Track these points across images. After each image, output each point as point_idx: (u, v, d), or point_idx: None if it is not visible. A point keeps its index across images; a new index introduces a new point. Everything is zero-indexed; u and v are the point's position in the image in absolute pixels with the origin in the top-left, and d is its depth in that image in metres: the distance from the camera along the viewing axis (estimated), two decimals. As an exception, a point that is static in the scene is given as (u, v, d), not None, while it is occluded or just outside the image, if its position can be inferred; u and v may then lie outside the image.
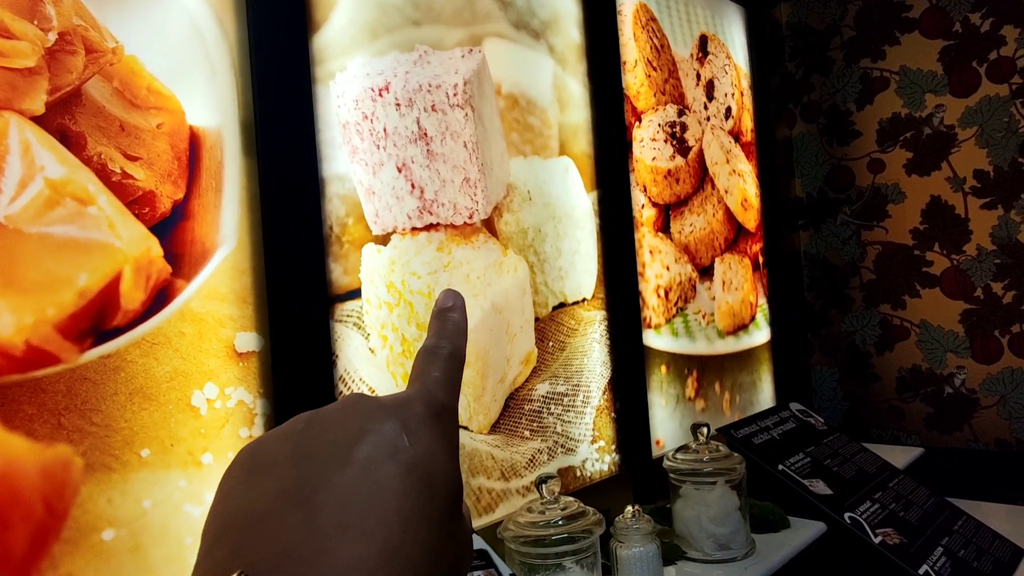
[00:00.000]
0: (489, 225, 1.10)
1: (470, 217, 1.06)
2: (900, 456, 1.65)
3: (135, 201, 0.73)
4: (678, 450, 1.15)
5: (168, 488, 0.73)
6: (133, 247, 0.72)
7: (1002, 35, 1.79)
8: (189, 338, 0.76)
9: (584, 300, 1.27)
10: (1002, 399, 1.81)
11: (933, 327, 1.92)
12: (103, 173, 0.70)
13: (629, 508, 1.01)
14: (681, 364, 1.47)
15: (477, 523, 1.02)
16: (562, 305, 1.23)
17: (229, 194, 0.80)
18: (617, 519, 1.01)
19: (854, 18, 2.01)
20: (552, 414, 1.18)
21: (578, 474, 1.21)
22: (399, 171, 0.98)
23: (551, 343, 1.20)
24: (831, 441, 1.43)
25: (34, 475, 0.65)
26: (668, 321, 1.45)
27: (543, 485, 0.89)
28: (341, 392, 0.89)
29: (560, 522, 0.87)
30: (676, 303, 1.47)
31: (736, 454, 1.12)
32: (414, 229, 0.99)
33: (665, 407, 1.42)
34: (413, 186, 0.99)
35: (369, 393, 0.91)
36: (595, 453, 1.25)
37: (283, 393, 0.83)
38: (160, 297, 0.74)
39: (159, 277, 0.74)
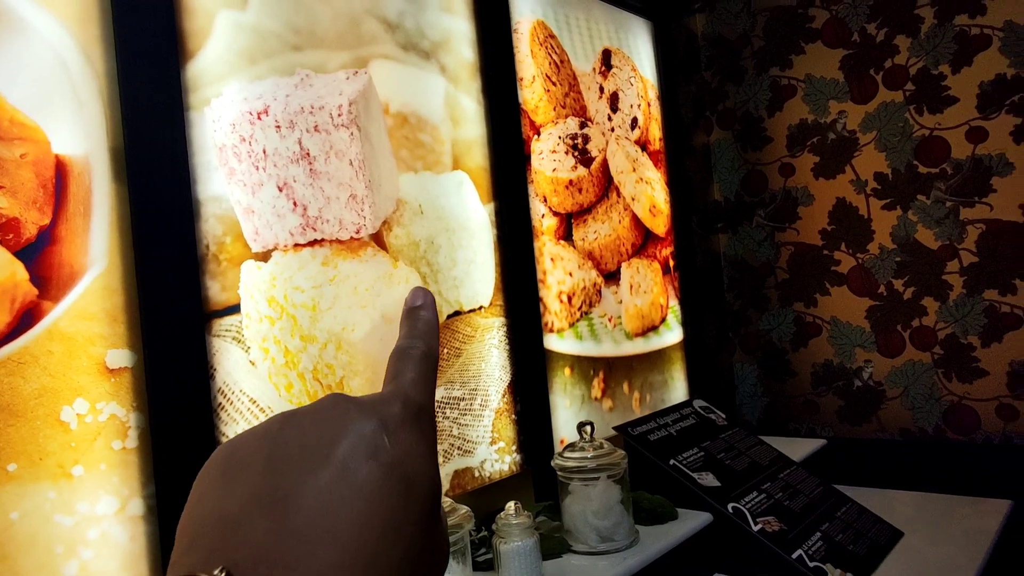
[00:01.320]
0: (378, 239, 1.15)
1: (357, 232, 1.11)
2: (804, 448, 1.73)
3: (-2, 228, 0.76)
4: (566, 448, 1.21)
5: (37, 500, 0.77)
6: (-4, 272, 0.76)
7: (895, 44, 1.89)
8: (58, 356, 0.80)
9: (481, 308, 1.32)
10: (905, 390, 1.91)
11: (842, 323, 2.01)
12: (-37, 203, 0.74)
13: (510, 504, 1.07)
14: (586, 366, 1.54)
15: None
16: (458, 313, 1.28)
17: (98, 218, 0.84)
18: (498, 516, 1.06)
19: (763, 28, 2.10)
20: (448, 418, 1.23)
21: (476, 475, 1.27)
22: (280, 190, 1.02)
23: (446, 350, 1.25)
24: (729, 436, 1.50)
25: None
26: (572, 325, 1.51)
27: (414, 485, 0.94)
28: (220, 404, 0.94)
29: (431, 520, 0.92)
30: (580, 307, 1.53)
31: (619, 450, 1.18)
32: (297, 245, 1.04)
33: (569, 408, 1.48)
34: (295, 204, 1.04)
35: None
36: (494, 454, 1.30)
37: (158, 406, 0.87)
38: (26, 318, 0.78)
39: (25, 300, 0.78)
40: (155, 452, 0.86)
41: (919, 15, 1.85)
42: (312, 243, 1.06)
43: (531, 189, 1.45)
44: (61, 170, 0.82)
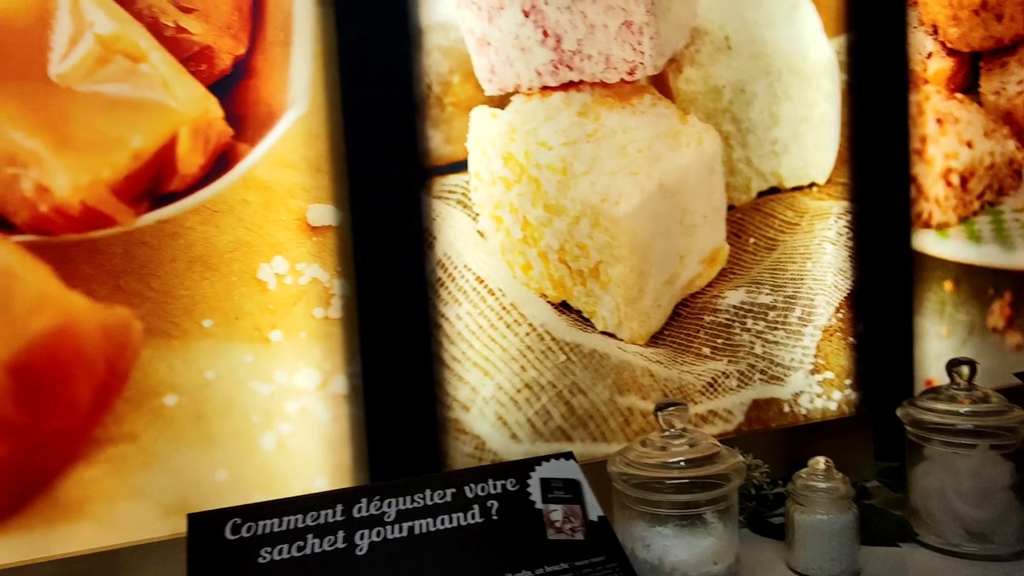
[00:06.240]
0: (661, 83, 0.86)
1: (630, 72, 0.84)
2: None
3: (191, 58, 0.68)
4: (927, 393, 0.81)
5: (232, 362, 0.71)
6: (190, 107, 0.68)
7: None
8: (254, 207, 0.71)
9: (813, 185, 0.95)
10: None
11: None
12: (155, 27, 0.67)
13: (819, 460, 0.74)
14: (982, 281, 1.05)
15: (611, 450, 0.84)
16: (775, 191, 0.93)
17: (300, 48, 0.72)
18: (798, 473, 0.75)
19: None
20: (749, 330, 0.92)
21: (786, 409, 0.94)
22: (526, 15, 0.80)
23: (753, 240, 0.92)
24: None
25: (95, 333, 0.66)
26: (964, 220, 1.04)
27: (661, 413, 0.68)
28: (439, 279, 0.78)
29: (682, 463, 0.66)
30: (982, 195, 1.04)
31: (1019, 409, 0.75)
32: (545, 88, 0.81)
33: (946, 338, 1.03)
34: (546, 34, 0.81)
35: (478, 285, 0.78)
36: (816, 386, 0.96)
37: (366, 274, 0.74)
38: (221, 162, 0.70)
39: (219, 140, 0.69)
40: (362, 327, 0.74)
41: None
42: (566, 86, 0.82)
43: (913, 14, 0.99)
44: (258, -10, 0.70)
